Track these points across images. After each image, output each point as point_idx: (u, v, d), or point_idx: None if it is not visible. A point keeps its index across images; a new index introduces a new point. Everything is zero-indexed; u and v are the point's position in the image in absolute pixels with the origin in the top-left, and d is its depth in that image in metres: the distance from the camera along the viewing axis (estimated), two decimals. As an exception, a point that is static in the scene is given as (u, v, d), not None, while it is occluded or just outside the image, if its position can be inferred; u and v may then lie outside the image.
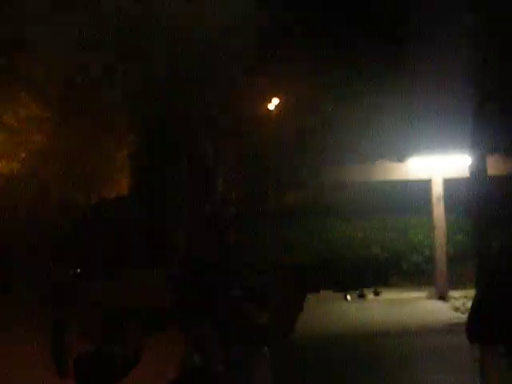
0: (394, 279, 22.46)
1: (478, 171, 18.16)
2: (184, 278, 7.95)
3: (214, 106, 19.02)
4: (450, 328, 15.36)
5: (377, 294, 20.17)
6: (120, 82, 18.29)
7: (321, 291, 16.70)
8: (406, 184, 22.29)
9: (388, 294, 20.73)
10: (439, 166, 21.63)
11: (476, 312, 6.05)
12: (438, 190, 21.59)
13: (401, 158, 21.63)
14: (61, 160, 19.06)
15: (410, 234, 23.55)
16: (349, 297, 19.80)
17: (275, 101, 21.58)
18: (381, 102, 20.45)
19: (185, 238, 17.73)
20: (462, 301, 18.42)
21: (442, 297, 20.29)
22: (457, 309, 17.94)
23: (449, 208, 21.33)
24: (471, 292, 14.21)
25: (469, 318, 6.15)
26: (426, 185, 21.67)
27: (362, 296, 19.87)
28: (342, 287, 19.59)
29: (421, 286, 21.48)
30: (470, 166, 18.44)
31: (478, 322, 5.99)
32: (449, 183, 21.29)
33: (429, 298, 20.56)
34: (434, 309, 18.66)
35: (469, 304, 6.53)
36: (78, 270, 13.65)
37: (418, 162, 21.70)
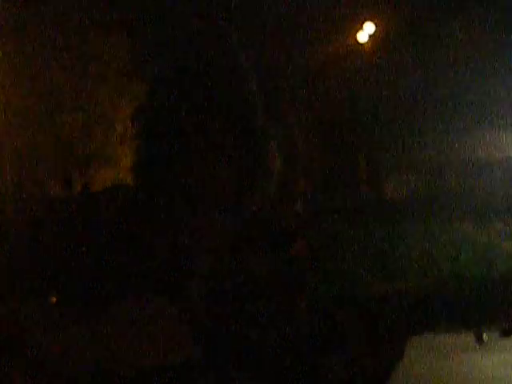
0: None
1: None
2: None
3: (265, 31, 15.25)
4: None
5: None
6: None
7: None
8: None
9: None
10: None
11: None
12: None
13: None
14: (25, 127, 15.18)
15: None
16: (485, 336, 12.67)
17: (369, 28, 17.05)
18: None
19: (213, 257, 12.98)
20: None
21: None
22: None
23: None
24: None
25: None
26: None
27: (507, 333, 12.80)
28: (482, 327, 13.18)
29: None
30: None
31: None
32: None
33: None
34: None
35: None
36: (53, 300, 9.32)
37: None
